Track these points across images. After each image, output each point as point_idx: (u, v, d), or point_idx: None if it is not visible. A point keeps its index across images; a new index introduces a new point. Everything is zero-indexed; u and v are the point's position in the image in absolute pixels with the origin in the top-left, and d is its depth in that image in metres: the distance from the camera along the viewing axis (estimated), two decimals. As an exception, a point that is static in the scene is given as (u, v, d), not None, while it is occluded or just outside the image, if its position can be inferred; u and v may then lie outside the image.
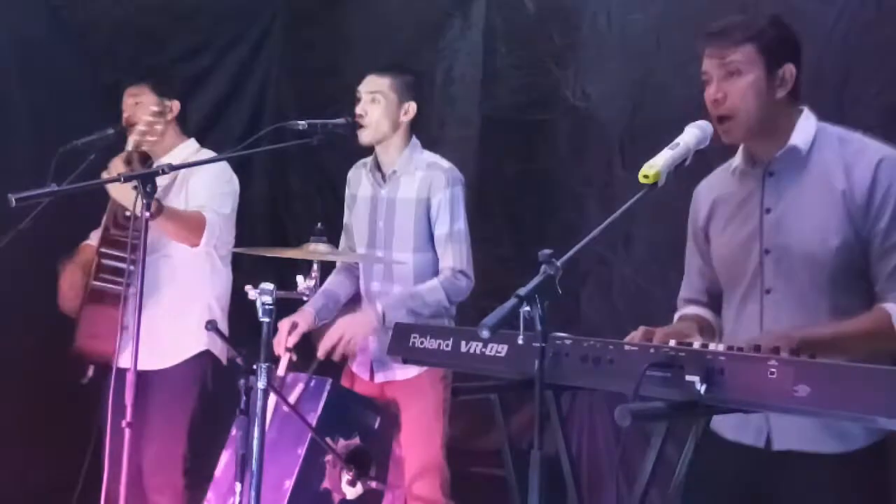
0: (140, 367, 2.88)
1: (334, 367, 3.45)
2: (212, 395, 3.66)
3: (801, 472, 2.31)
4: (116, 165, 3.32)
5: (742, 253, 2.42)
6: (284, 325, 3.22)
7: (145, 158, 3.62)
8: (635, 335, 2.19)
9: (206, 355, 3.63)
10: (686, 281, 2.65)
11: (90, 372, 3.58)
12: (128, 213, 3.27)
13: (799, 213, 2.34)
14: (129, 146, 3.38)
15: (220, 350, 3.65)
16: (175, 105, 3.69)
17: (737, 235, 2.44)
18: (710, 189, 2.55)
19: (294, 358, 3.23)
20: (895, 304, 2.23)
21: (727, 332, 2.48)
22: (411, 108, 3.42)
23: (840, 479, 2.29)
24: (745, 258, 2.41)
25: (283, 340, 3.20)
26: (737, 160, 2.47)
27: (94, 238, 3.78)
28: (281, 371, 3.15)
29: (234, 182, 3.67)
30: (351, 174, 3.60)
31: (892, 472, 2.36)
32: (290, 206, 4.94)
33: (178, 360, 3.59)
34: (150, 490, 3.53)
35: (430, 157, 3.46)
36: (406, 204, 3.40)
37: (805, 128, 2.37)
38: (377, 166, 3.48)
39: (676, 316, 2.63)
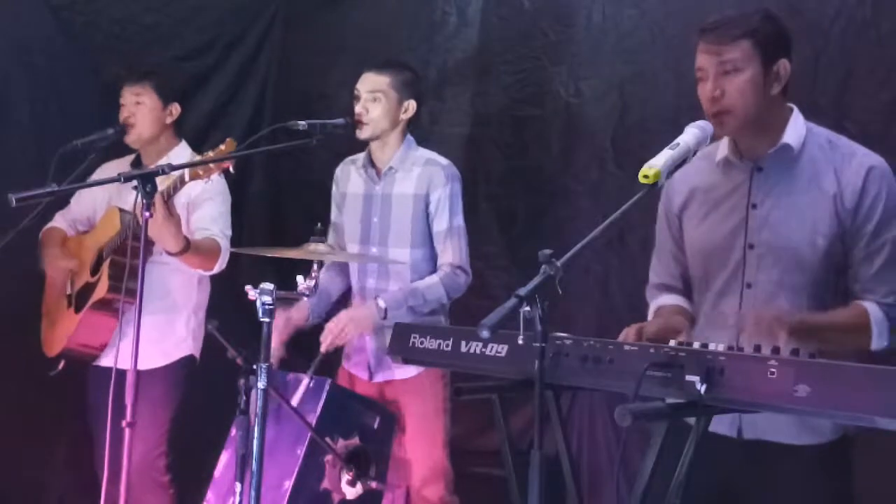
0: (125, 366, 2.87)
1: (330, 367, 3.45)
2: (195, 397, 3.69)
3: (771, 463, 2.33)
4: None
5: (723, 246, 2.42)
6: (279, 318, 3.22)
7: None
8: (628, 332, 2.21)
9: (189, 359, 3.66)
10: (659, 266, 2.63)
11: (60, 365, 3.58)
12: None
13: (787, 210, 2.35)
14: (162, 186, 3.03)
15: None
16: (175, 108, 3.69)
17: (719, 228, 2.44)
18: (685, 176, 2.48)
19: (285, 356, 3.25)
20: (874, 304, 2.28)
21: (700, 323, 2.49)
22: (411, 106, 3.42)
23: (810, 470, 2.32)
24: (727, 251, 2.41)
25: (279, 333, 3.23)
26: (722, 151, 2.45)
27: (59, 220, 3.77)
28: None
29: (230, 197, 3.66)
30: (339, 172, 3.59)
31: (855, 465, 2.41)
32: (288, 206, 4.92)
33: (165, 362, 3.60)
34: (137, 489, 3.51)
35: (426, 153, 3.46)
36: (403, 200, 3.40)
37: (796, 127, 2.38)
38: (371, 163, 3.47)
39: (654, 305, 2.61)
